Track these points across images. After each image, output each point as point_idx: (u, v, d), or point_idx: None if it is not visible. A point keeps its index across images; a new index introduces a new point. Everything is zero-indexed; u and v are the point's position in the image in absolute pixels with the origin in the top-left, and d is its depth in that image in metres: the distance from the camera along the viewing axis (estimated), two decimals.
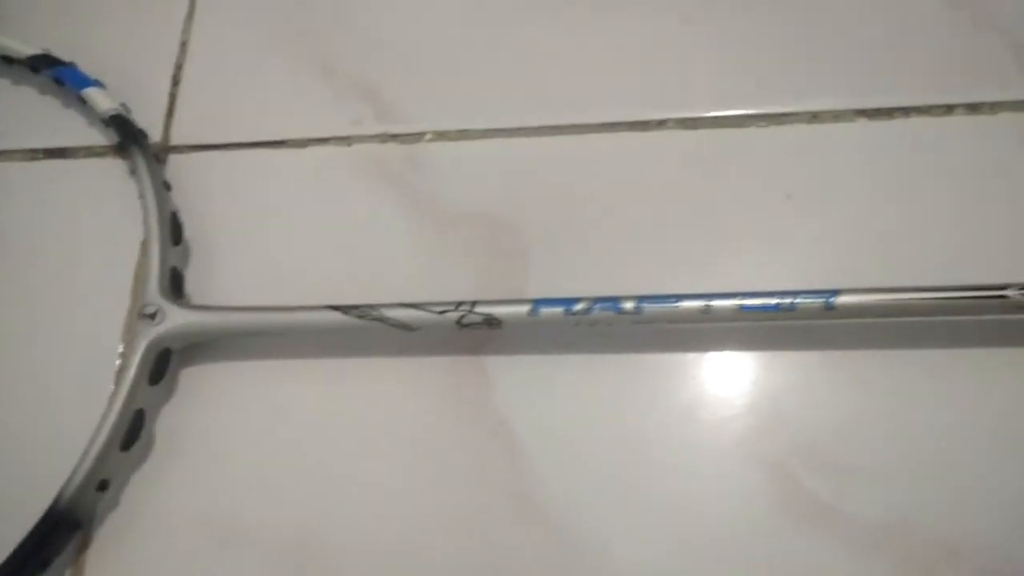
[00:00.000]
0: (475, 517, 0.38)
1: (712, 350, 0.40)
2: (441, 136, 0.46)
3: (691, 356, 0.40)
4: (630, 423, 0.39)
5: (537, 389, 0.40)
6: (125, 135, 0.45)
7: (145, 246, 0.43)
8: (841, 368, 0.39)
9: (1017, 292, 0.35)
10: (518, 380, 0.40)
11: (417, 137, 0.47)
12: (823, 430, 0.38)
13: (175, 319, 0.41)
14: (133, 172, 0.45)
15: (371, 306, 0.39)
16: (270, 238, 0.46)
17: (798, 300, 0.37)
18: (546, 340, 0.41)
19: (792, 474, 0.37)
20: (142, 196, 0.44)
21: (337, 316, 0.39)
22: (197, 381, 0.43)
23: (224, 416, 0.42)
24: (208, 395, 0.42)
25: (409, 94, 0.48)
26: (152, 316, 0.40)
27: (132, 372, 0.40)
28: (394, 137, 0.47)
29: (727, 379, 0.39)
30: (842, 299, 0.36)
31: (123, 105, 0.47)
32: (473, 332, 0.39)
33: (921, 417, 0.38)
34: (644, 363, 0.40)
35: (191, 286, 0.45)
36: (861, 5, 0.46)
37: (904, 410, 0.38)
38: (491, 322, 0.39)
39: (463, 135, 0.46)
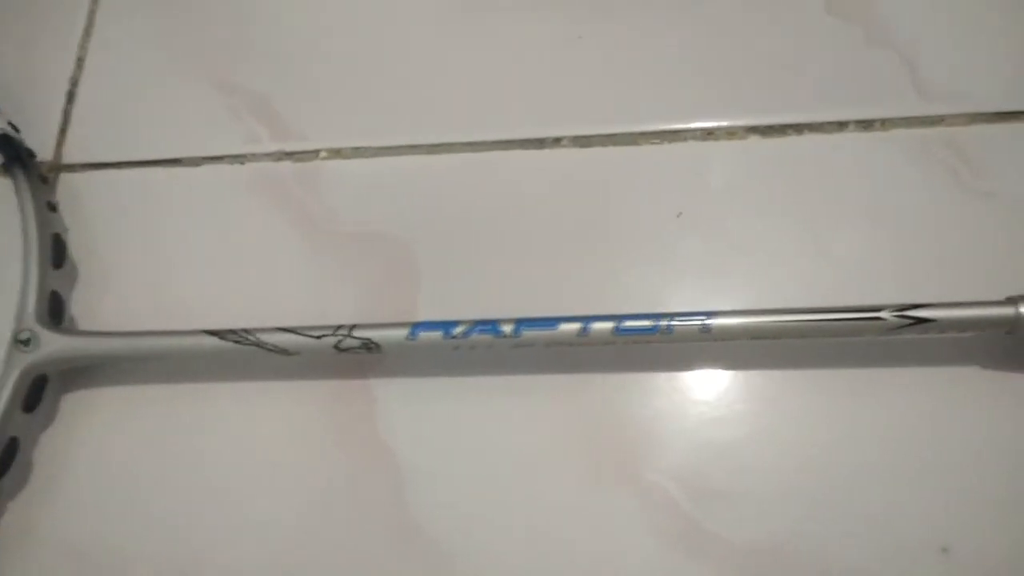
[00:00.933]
0: (357, 542, 0.38)
1: (595, 372, 0.39)
2: (336, 154, 0.46)
3: (574, 378, 0.39)
4: (511, 446, 0.38)
5: (420, 412, 0.39)
6: (8, 155, 0.44)
7: (24, 270, 0.42)
8: (722, 389, 0.38)
9: (892, 314, 0.35)
10: (401, 403, 0.40)
11: (312, 155, 0.46)
12: (703, 453, 0.37)
13: (50, 345, 0.40)
14: (16, 193, 0.44)
15: (248, 331, 0.38)
16: (162, 259, 0.45)
17: (674, 323, 0.36)
18: (431, 362, 0.40)
19: (671, 498, 0.37)
20: (23, 218, 0.43)
21: (214, 341, 0.39)
22: (79, 407, 0.42)
23: (105, 443, 0.41)
24: (89, 422, 0.41)
25: (304, 112, 0.47)
26: (26, 342, 0.39)
27: (3, 399, 0.39)
28: (288, 155, 0.46)
29: (608, 401, 0.39)
30: (717, 321, 0.36)
31: (11, 124, 0.46)
32: (356, 356, 0.39)
33: (803, 439, 0.37)
34: (527, 385, 0.39)
35: (79, 309, 0.44)
36: (756, 22, 0.45)
37: (787, 432, 0.37)
38: (369, 346, 0.38)
39: (358, 153, 0.46)
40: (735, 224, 0.41)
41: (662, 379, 0.39)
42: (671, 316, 0.36)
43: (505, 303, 0.39)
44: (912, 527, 0.35)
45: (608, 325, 0.36)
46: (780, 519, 0.36)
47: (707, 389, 0.38)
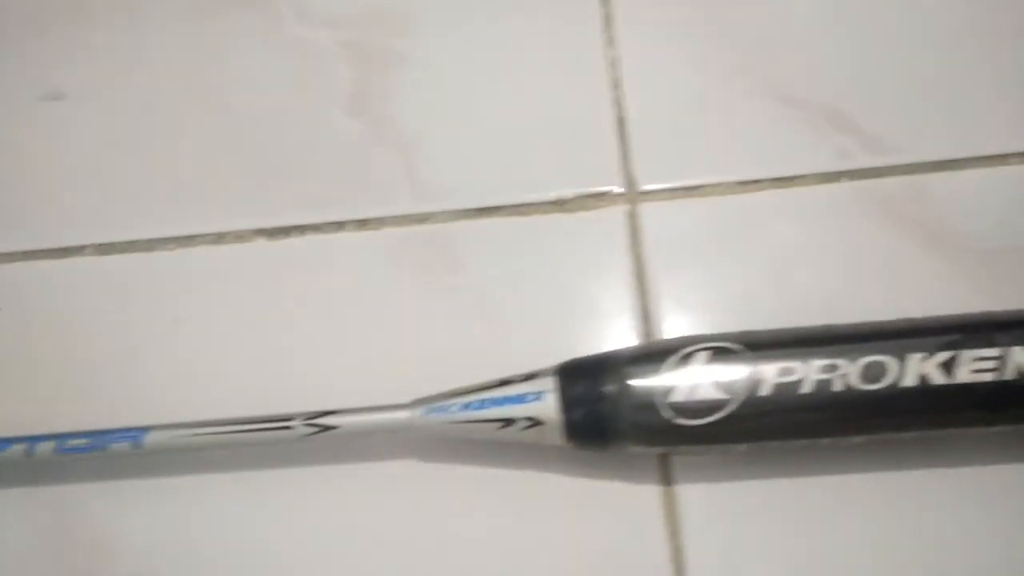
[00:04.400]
0: None
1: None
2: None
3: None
4: None
5: None
6: None
7: None
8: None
9: (302, 422, 0.37)
10: None
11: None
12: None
13: None
14: None
15: None
16: None
17: (110, 439, 0.38)
18: None
19: None
20: None
21: None
22: None
23: None
24: None
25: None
26: None
27: None
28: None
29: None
30: (152, 436, 0.38)
31: None
32: None
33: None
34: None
35: None
36: (276, 123, 0.47)
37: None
38: None
39: None
40: (235, 328, 0.43)
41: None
42: (108, 433, 0.38)
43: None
44: None
45: (50, 445, 0.38)
46: None
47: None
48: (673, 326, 0.41)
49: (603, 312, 0.42)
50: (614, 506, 0.38)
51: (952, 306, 0.37)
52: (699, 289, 0.42)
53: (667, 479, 0.38)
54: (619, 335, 0.41)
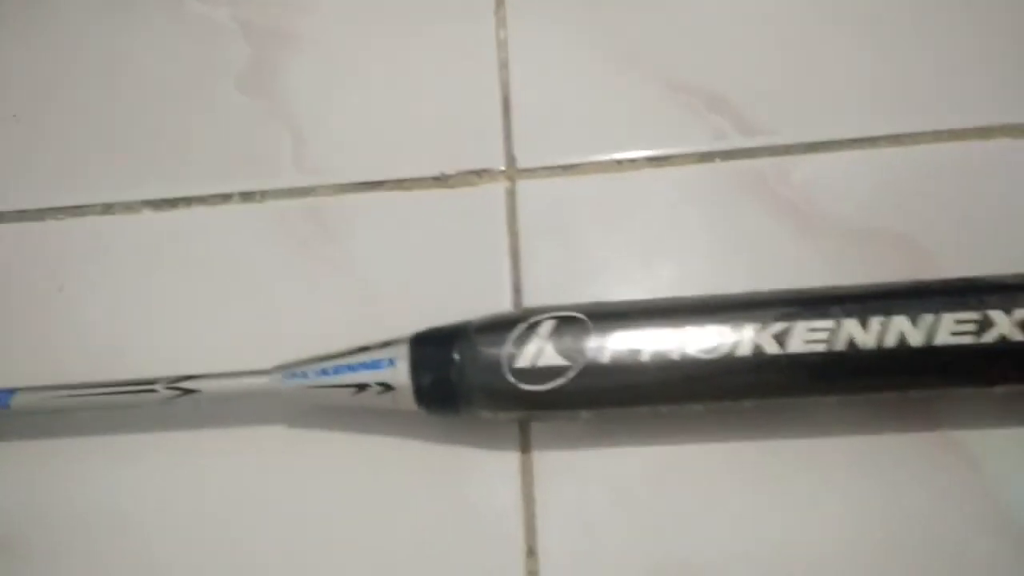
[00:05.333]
0: None
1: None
2: None
3: None
4: None
5: None
6: None
7: None
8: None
9: (165, 386, 0.38)
10: None
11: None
12: None
13: None
14: None
15: None
16: None
17: None
18: None
19: None
20: None
21: None
22: None
23: None
24: None
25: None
26: None
27: None
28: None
29: None
30: (19, 398, 0.39)
31: None
32: None
33: None
34: None
35: None
36: (167, 97, 0.48)
37: None
38: None
39: None
40: (119, 296, 0.44)
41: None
42: None
43: None
44: None
45: None
46: None
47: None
48: (542, 299, 0.41)
49: (477, 284, 0.43)
50: (475, 472, 0.39)
51: (815, 284, 0.38)
52: (571, 263, 0.43)
53: (526, 446, 0.39)
54: (491, 307, 0.42)
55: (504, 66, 0.47)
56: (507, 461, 0.39)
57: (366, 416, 0.39)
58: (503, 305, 0.42)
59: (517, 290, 0.42)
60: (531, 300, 0.42)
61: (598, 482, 0.38)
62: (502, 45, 0.48)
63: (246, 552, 0.39)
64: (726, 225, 0.43)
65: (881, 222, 0.42)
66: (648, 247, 0.43)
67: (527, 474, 0.39)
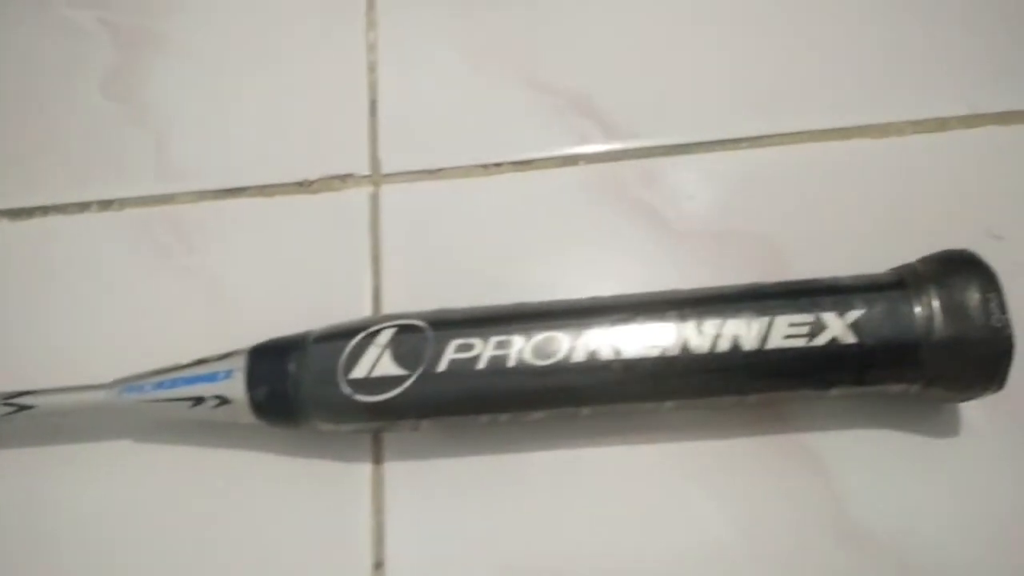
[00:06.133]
0: None
1: None
2: None
3: None
4: None
5: None
6: None
7: None
8: None
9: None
10: None
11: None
12: None
13: None
14: None
15: None
16: None
17: None
18: None
19: None
20: None
21: None
22: None
23: None
24: None
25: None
26: None
27: None
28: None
29: None
30: None
31: None
32: None
33: None
34: None
35: None
36: (29, 105, 0.47)
37: None
38: None
39: None
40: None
41: None
42: None
43: None
44: None
45: None
46: None
47: None
48: (403, 305, 0.40)
49: (337, 291, 0.42)
50: (327, 484, 0.38)
51: (673, 287, 0.38)
52: (432, 269, 0.42)
53: (379, 457, 0.39)
54: (351, 315, 0.41)
55: (373, 69, 0.46)
56: (359, 472, 0.38)
57: (221, 430, 0.38)
58: (363, 313, 0.41)
59: (377, 297, 0.42)
60: (391, 307, 0.41)
61: (448, 492, 0.38)
62: (372, 48, 0.47)
63: (87, 570, 0.38)
64: (588, 229, 0.43)
65: (739, 224, 0.42)
66: (511, 252, 0.42)
67: (378, 485, 0.38)
